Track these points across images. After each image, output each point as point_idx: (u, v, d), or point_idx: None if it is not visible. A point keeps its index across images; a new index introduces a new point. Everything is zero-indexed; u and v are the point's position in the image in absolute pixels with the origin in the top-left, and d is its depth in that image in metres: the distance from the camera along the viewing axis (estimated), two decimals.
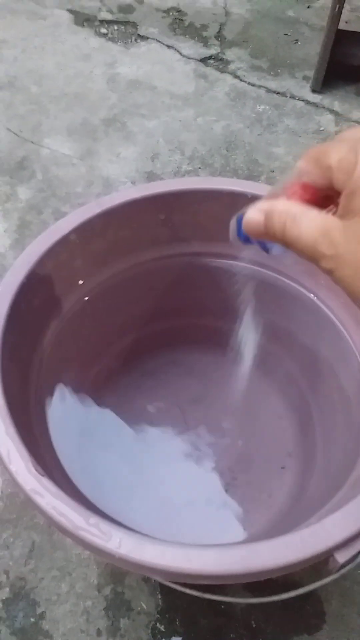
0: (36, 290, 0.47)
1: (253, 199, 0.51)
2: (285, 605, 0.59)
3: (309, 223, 0.25)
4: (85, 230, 0.49)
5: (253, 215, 0.27)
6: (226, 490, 0.57)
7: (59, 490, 0.34)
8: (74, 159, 1.01)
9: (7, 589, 0.59)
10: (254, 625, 0.58)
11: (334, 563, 0.34)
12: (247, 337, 0.64)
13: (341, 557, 0.34)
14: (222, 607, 0.58)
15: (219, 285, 0.59)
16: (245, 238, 0.32)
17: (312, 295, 0.55)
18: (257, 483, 0.58)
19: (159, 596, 0.59)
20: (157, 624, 0.57)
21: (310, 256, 0.25)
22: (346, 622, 0.58)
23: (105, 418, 0.60)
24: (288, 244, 0.26)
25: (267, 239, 0.27)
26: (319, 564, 0.35)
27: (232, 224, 0.32)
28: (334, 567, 0.35)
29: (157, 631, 0.57)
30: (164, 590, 0.59)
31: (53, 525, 0.34)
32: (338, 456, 0.51)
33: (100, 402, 0.60)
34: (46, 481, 0.34)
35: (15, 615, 0.58)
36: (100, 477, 0.55)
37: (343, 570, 0.37)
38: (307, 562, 0.33)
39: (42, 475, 0.35)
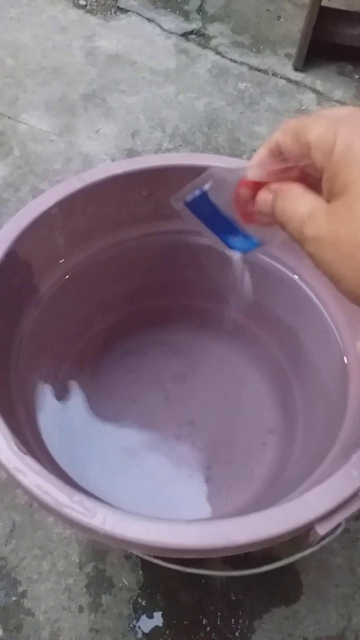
0: (15, 269, 0.46)
1: None
2: (263, 579, 0.60)
3: (301, 205, 0.25)
4: (66, 206, 0.48)
5: (266, 195, 0.28)
6: (208, 467, 0.58)
7: (42, 468, 0.34)
8: (52, 135, 0.99)
9: None
10: (233, 598, 0.59)
11: (315, 535, 0.35)
12: (230, 316, 0.64)
13: (322, 529, 0.35)
14: (202, 581, 0.59)
15: (202, 264, 0.58)
16: (209, 217, 0.33)
17: (295, 275, 0.55)
18: (239, 460, 0.58)
19: (140, 572, 0.59)
20: (139, 599, 0.58)
21: (297, 238, 0.26)
22: (323, 594, 0.60)
23: (86, 397, 0.60)
24: (282, 223, 0.27)
25: (270, 220, 0.28)
26: (298, 538, 0.36)
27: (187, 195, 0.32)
28: (315, 539, 0.36)
29: (138, 606, 0.58)
30: (145, 566, 0.59)
31: (37, 503, 0.34)
32: (318, 433, 0.52)
33: (81, 381, 0.59)
34: (29, 459, 0.34)
35: None
36: (82, 457, 0.55)
37: (323, 542, 0.38)
38: (290, 534, 0.33)
39: (25, 454, 0.34)
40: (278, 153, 0.28)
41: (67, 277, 0.52)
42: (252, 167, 0.29)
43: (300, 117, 0.26)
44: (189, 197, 0.32)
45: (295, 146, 0.26)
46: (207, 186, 0.31)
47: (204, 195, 0.32)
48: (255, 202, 0.29)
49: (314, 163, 0.25)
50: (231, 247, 0.35)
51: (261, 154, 0.29)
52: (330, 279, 0.24)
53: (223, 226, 0.33)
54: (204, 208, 0.33)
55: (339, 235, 0.23)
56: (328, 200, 0.24)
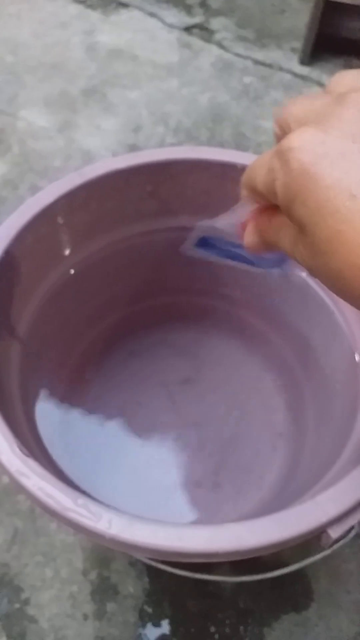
0: (15, 267, 0.45)
1: (243, 169, 0.49)
2: (273, 586, 0.58)
3: (284, 238, 0.25)
4: (67, 202, 0.46)
5: (253, 237, 0.28)
6: (216, 473, 0.56)
7: (45, 471, 0.33)
8: (52, 132, 0.97)
9: None
10: (242, 606, 0.57)
11: (327, 539, 0.34)
12: (238, 316, 0.62)
13: (334, 532, 0.33)
14: (210, 588, 0.58)
15: (208, 262, 0.57)
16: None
17: (303, 273, 0.53)
18: (248, 464, 0.57)
19: (146, 579, 0.58)
20: (145, 606, 0.57)
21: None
22: (334, 600, 0.58)
23: (89, 399, 0.58)
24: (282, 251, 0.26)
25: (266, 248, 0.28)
26: (309, 542, 0.35)
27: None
28: (327, 543, 0.35)
29: (144, 613, 0.56)
30: (152, 573, 0.58)
31: (40, 507, 0.32)
32: (329, 436, 0.50)
33: (85, 382, 0.58)
34: (32, 462, 0.33)
35: None
36: (85, 461, 0.53)
37: (335, 546, 0.36)
38: (302, 537, 0.32)
39: (28, 457, 0.33)
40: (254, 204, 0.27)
41: (68, 275, 0.50)
42: (235, 209, 0.29)
43: (250, 164, 0.25)
44: (193, 244, 0.34)
45: (256, 197, 0.25)
46: (201, 234, 0.33)
47: (205, 241, 0.33)
48: (245, 244, 0.28)
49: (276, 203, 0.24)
50: (262, 267, 0.36)
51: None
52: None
53: (242, 255, 0.34)
54: (212, 248, 0.34)
55: (320, 268, 0.22)
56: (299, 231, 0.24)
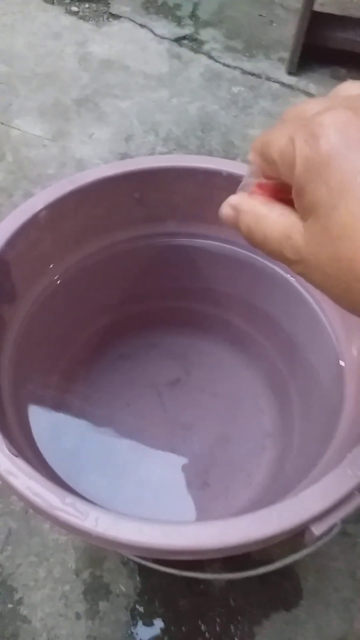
0: (5, 273, 0.46)
1: (228, 177, 0.51)
2: (263, 584, 0.59)
3: (272, 226, 0.23)
4: (56, 209, 0.47)
5: (226, 211, 0.25)
6: (206, 472, 0.57)
7: (34, 470, 0.34)
8: (45, 140, 0.99)
9: None
10: (232, 604, 0.58)
11: (311, 536, 0.35)
12: (225, 318, 0.63)
13: (317, 529, 0.34)
14: (201, 587, 0.59)
15: (196, 266, 0.58)
16: None
17: (288, 275, 0.55)
18: (237, 464, 0.58)
19: (138, 578, 0.59)
20: (137, 605, 0.57)
21: (279, 259, 0.23)
22: (322, 598, 0.59)
23: (79, 401, 0.59)
24: (256, 246, 0.24)
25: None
26: (295, 540, 0.36)
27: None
28: (310, 540, 0.35)
29: (136, 612, 0.57)
30: (143, 572, 0.59)
31: (29, 506, 0.33)
32: (314, 435, 0.51)
33: (74, 384, 0.59)
34: (20, 462, 0.34)
35: None
36: (75, 462, 0.54)
37: (319, 543, 0.37)
38: (284, 534, 0.33)
39: (16, 456, 0.34)
40: (259, 173, 0.25)
41: (58, 280, 0.51)
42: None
43: (268, 129, 0.23)
44: None
45: (265, 165, 0.23)
46: None
47: None
48: (219, 215, 0.26)
49: (283, 179, 0.22)
50: None
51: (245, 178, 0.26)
52: (329, 297, 0.23)
53: None
54: None
55: (321, 259, 0.21)
56: (302, 217, 0.22)
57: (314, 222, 0.21)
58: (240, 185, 0.26)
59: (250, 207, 0.24)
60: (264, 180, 0.24)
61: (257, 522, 0.32)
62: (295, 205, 0.22)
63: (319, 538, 0.35)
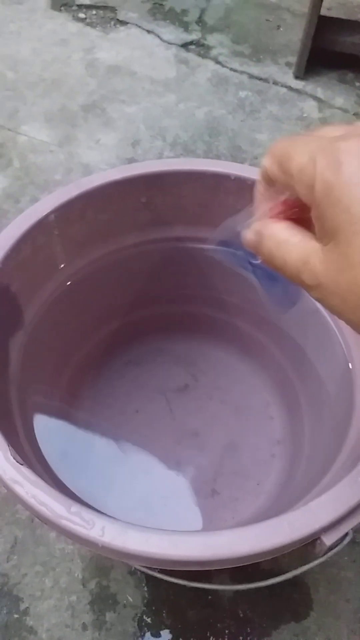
0: (12, 278, 0.45)
1: (237, 180, 0.50)
2: (272, 594, 0.58)
3: (292, 251, 0.23)
4: (64, 213, 0.47)
5: (249, 237, 0.25)
6: (214, 480, 0.56)
7: (39, 479, 0.33)
8: (52, 146, 0.99)
9: None
10: (241, 615, 0.57)
11: (321, 546, 0.34)
12: (233, 324, 0.63)
13: (328, 539, 0.33)
14: (209, 597, 0.58)
15: (204, 271, 0.58)
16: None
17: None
18: (246, 472, 0.57)
19: (145, 589, 0.58)
20: (144, 616, 0.56)
21: (299, 285, 0.23)
22: (333, 609, 0.58)
23: (87, 407, 0.58)
24: (276, 270, 0.24)
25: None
26: (305, 550, 0.35)
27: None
28: (321, 550, 0.35)
29: (143, 623, 0.56)
30: (150, 582, 0.58)
31: (34, 515, 0.33)
32: (324, 442, 0.50)
33: (82, 391, 0.58)
34: (25, 470, 0.33)
35: None
36: (82, 469, 0.54)
37: (330, 553, 0.36)
38: (295, 544, 0.32)
39: (21, 464, 0.33)
40: (270, 180, 0.24)
41: (65, 285, 0.51)
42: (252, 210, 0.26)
43: (290, 137, 0.23)
44: (215, 244, 0.31)
45: (281, 175, 0.23)
46: (224, 236, 0.30)
47: (226, 244, 0.31)
48: (242, 240, 0.26)
49: (299, 195, 0.22)
50: (270, 298, 0.32)
51: (257, 186, 0.26)
52: (347, 323, 0.22)
53: (260, 270, 0.30)
54: (233, 256, 0.31)
55: (340, 285, 0.21)
56: (321, 240, 0.21)
57: (333, 248, 0.20)
58: (255, 201, 0.26)
59: (272, 233, 0.24)
60: (282, 197, 0.24)
61: (267, 532, 0.32)
62: (315, 228, 0.22)
63: (330, 548, 0.34)
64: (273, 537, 0.31)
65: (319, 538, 0.32)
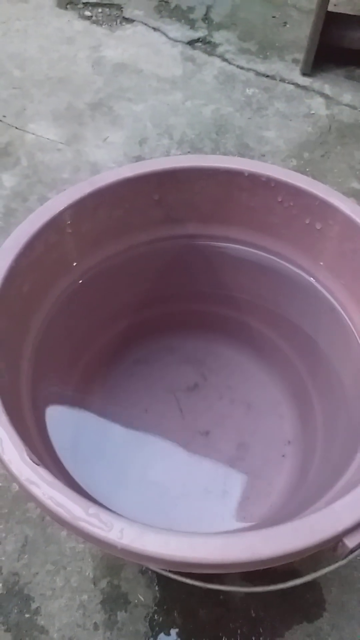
0: (26, 275, 0.45)
1: (250, 177, 0.50)
2: (284, 594, 0.58)
3: None
4: (76, 211, 0.47)
5: None
6: (225, 480, 0.56)
7: (56, 479, 0.32)
8: (60, 145, 0.98)
9: (0, 585, 0.57)
10: (253, 615, 0.57)
11: (343, 548, 0.33)
12: (245, 322, 0.62)
13: (351, 542, 0.33)
14: (221, 597, 0.57)
15: (215, 269, 0.57)
16: None
17: (311, 278, 0.53)
18: (257, 472, 0.56)
19: (156, 588, 0.57)
20: (155, 615, 0.56)
21: None
22: (346, 610, 0.57)
23: (97, 406, 0.58)
24: None
25: None
26: (322, 551, 0.34)
27: None
28: (343, 553, 0.34)
29: (155, 623, 0.56)
30: (162, 581, 0.57)
31: (50, 517, 0.32)
32: (339, 442, 0.50)
33: (92, 389, 0.58)
34: (42, 470, 0.33)
35: (9, 612, 0.56)
36: (93, 468, 0.53)
37: (351, 556, 0.36)
38: (318, 547, 0.31)
39: (38, 465, 0.33)
40: None
41: (77, 283, 0.51)
42: None
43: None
44: None
45: None
46: None
47: None
48: None
49: None
50: None
51: None
52: None
53: None
54: None
55: None
56: None
57: None
58: None
59: None
60: None
61: (288, 535, 0.31)
62: None
63: (352, 551, 0.33)
64: (296, 540, 0.31)
65: (341, 540, 0.32)
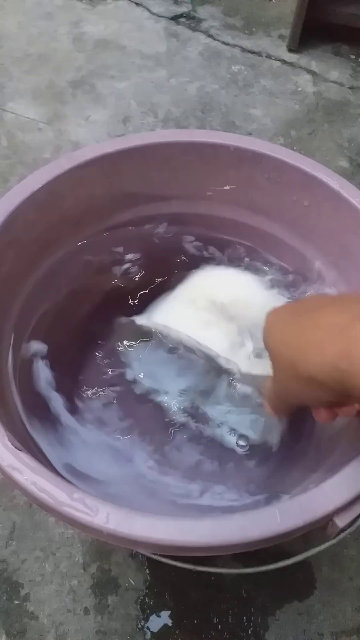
0: (5, 256, 0.44)
1: (236, 151, 0.48)
2: (274, 574, 0.57)
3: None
4: (55, 188, 0.45)
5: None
6: (219, 462, 0.55)
7: (39, 465, 0.31)
8: (41, 124, 0.96)
9: None
10: (244, 595, 0.57)
11: (333, 528, 0.33)
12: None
13: (341, 521, 0.32)
14: (212, 578, 0.57)
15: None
16: None
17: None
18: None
19: (147, 571, 0.57)
20: (146, 598, 0.56)
21: None
22: (337, 588, 0.58)
23: (84, 397, 0.57)
24: None
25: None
26: (313, 531, 0.34)
27: None
28: (333, 532, 0.34)
29: (146, 606, 0.56)
30: (152, 565, 0.57)
31: (34, 503, 0.31)
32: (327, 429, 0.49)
33: (80, 378, 0.57)
34: (25, 456, 0.32)
35: None
36: (79, 460, 0.52)
37: (342, 535, 0.35)
38: (308, 527, 0.31)
39: (20, 450, 0.32)
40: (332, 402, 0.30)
41: (58, 264, 0.49)
42: None
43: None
44: None
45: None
46: None
47: None
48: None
49: None
50: None
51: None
52: None
53: None
54: None
55: None
56: None
57: None
58: None
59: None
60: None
61: (278, 515, 0.30)
62: None
63: (342, 530, 0.33)
64: (285, 520, 0.30)
65: (331, 520, 0.31)
